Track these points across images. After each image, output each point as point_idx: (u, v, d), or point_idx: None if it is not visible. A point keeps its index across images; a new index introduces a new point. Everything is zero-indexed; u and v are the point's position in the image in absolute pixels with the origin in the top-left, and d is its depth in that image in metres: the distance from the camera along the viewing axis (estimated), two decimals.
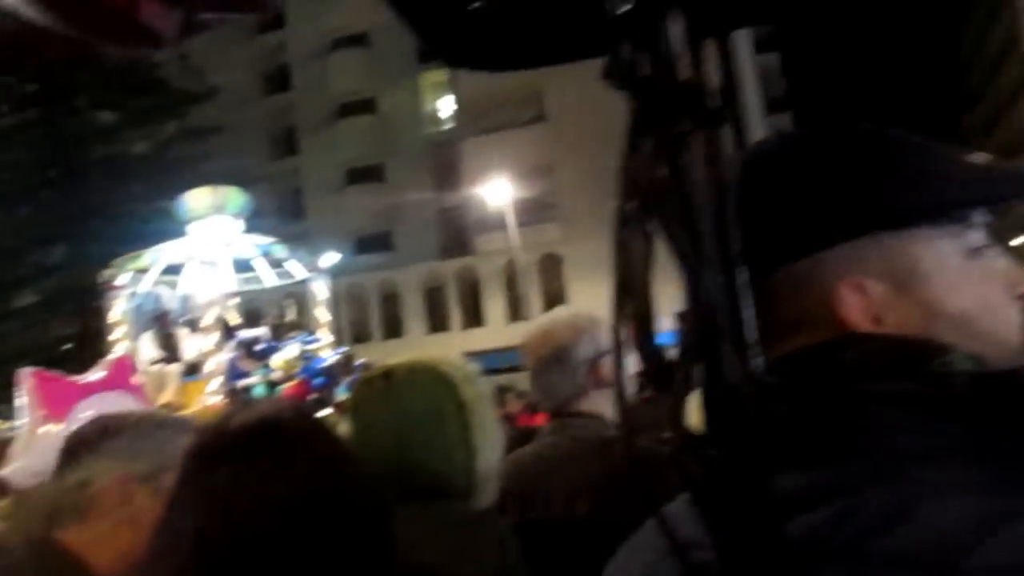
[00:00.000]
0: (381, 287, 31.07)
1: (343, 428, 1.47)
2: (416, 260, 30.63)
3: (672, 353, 0.57)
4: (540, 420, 9.63)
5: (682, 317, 0.54)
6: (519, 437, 2.50)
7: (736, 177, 0.65)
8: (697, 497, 0.55)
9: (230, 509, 0.98)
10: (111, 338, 10.05)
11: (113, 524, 1.27)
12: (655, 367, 0.56)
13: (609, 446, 1.78)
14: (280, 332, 10.17)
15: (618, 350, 0.56)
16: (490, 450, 1.47)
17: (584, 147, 26.68)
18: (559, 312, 2.06)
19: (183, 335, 9.76)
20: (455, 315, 30.49)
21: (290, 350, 9.41)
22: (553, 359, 1.87)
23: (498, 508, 1.57)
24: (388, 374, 1.49)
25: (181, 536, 0.99)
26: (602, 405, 1.89)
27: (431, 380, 1.46)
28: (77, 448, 1.34)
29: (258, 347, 9.38)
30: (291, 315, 10.79)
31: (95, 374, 7.09)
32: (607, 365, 1.90)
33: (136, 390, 6.22)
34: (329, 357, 9.68)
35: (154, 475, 1.29)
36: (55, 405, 4.68)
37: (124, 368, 6.24)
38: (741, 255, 0.55)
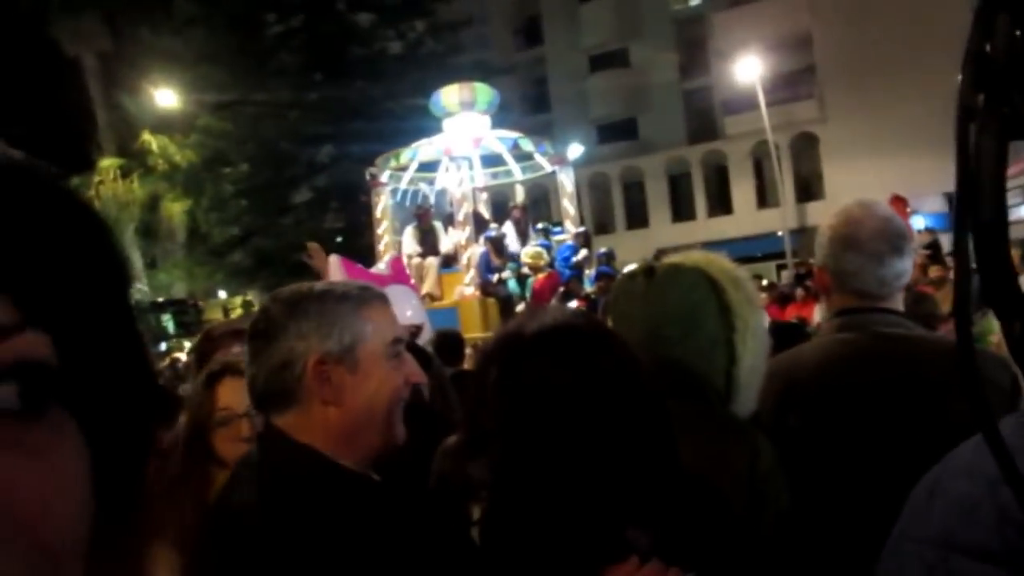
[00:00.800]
0: (624, 175, 30.85)
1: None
2: (660, 146, 30.02)
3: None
4: (790, 313, 9.22)
5: None
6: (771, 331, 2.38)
7: None
8: None
9: (536, 403, 1.06)
10: (377, 231, 10.80)
11: (318, 405, 1.27)
12: (1005, 285, 0.47)
13: (923, 345, 1.65)
14: (524, 225, 10.43)
15: (963, 260, 0.48)
16: (753, 357, 1.43)
17: (846, 13, 24.48)
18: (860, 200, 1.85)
19: (439, 229, 10.27)
20: (700, 202, 29.74)
21: (536, 243, 9.65)
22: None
23: (775, 407, 1.53)
24: (651, 271, 1.49)
25: (491, 431, 1.09)
26: (900, 301, 1.75)
27: (694, 280, 1.43)
28: (266, 329, 1.31)
29: (506, 242, 9.70)
30: (522, 201, 10.95)
31: (377, 268, 7.85)
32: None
33: (413, 284, 6.80)
34: (577, 249, 9.84)
35: (348, 351, 1.29)
36: None
37: (400, 265, 6.95)
38: None
